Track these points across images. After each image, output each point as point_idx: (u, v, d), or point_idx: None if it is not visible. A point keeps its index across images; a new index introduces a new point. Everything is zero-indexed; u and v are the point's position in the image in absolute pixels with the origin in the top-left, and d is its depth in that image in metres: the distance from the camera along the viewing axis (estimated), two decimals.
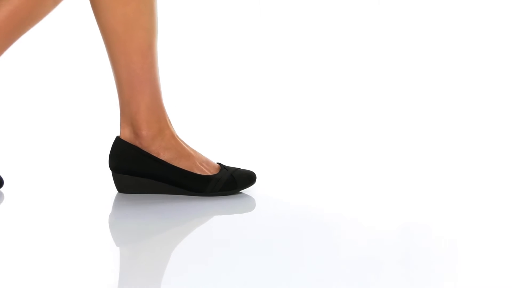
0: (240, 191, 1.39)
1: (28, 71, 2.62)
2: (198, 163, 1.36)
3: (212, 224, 1.27)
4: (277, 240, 1.18)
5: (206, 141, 1.74)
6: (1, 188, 1.40)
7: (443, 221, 1.28)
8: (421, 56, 2.67)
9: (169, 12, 2.40)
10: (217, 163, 1.39)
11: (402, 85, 2.50)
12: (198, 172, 1.35)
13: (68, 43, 2.73)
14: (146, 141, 1.34)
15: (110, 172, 1.37)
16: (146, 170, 1.34)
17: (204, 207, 1.33)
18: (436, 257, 1.08)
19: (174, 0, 2.62)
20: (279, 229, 1.24)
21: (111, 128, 1.56)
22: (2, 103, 2.31)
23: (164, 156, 1.34)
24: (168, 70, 1.69)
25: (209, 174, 1.36)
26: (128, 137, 1.35)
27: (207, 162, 1.37)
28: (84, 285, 0.98)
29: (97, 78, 2.53)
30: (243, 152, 1.77)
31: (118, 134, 1.37)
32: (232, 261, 1.07)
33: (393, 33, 2.78)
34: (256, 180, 1.40)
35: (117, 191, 1.38)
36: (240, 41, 2.65)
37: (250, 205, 1.37)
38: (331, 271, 1.03)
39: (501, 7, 2.79)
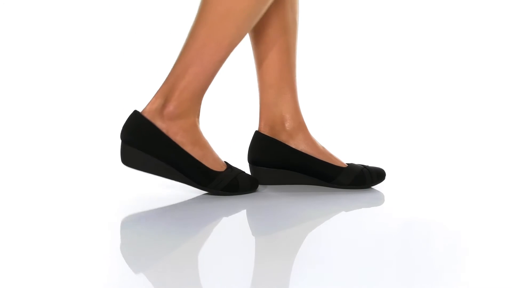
0: (239, 194, 1.39)
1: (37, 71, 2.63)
2: (209, 156, 1.36)
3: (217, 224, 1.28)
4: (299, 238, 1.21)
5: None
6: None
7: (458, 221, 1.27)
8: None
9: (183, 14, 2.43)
10: (224, 161, 1.39)
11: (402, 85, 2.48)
12: (207, 165, 1.35)
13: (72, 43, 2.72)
14: (169, 117, 1.32)
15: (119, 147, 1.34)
16: (157, 150, 1.32)
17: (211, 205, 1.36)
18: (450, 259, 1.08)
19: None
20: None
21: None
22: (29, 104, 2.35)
23: (182, 138, 1.33)
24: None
25: (217, 170, 1.36)
26: (152, 110, 1.33)
27: (216, 159, 1.37)
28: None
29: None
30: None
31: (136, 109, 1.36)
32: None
33: (394, 33, 2.74)
34: (257, 187, 1.43)
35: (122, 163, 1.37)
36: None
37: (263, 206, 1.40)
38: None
39: (501, 7, 2.70)
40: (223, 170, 1.37)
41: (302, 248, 1.10)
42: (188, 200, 1.37)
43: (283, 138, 1.45)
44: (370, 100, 2.56)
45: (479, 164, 1.76)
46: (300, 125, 1.45)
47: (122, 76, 2.62)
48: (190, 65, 1.32)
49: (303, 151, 1.44)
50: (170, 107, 1.32)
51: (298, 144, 1.44)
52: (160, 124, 1.32)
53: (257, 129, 1.47)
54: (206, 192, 1.38)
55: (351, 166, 1.44)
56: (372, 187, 1.45)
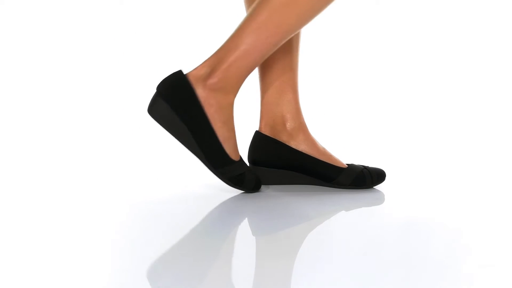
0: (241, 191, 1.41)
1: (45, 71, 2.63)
2: (231, 141, 1.36)
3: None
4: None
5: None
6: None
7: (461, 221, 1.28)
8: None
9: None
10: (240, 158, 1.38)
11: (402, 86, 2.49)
12: (226, 150, 1.35)
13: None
14: (210, 88, 1.33)
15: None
16: (186, 115, 1.32)
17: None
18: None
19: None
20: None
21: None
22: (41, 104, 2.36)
23: (215, 113, 1.33)
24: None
25: (232, 158, 1.36)
26: (196, 76, 1.33)
27: (235, 148, 1.37)
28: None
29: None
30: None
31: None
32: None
33: (393, 34, 2.74)
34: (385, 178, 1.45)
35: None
36: None
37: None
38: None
39: (501, 7, 2.71)
40: (237, 161, 1.37)
41: (302, 248, 1.11)
42: (188, 200, 1.37)
43: (283, 138, 1.45)
44: (370, 100, 2.56)
45: (479, 164, 1.76)
46: (301, 126, 1.45)
47: (122, 76, 2.62)
48: (244, 42, 1.32)
49: (303, 151, 1.44)
50: (215, 79, 1.32)
51: (298, 144, 1.44)
52: (200, 91, 1.32)
53: (257, 129, 1.47)
54: (210, 176, 1.38)
55: (351, 167, 1.44)
56: (372, 187, 1.45)
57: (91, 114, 2.41)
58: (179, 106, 1.32)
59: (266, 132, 1.46)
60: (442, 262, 1.03)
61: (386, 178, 1.46)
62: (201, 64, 1.34)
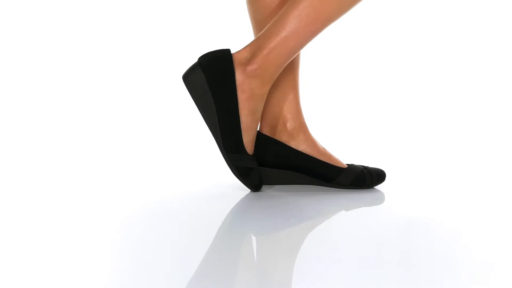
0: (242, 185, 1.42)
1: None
2: (251, 133, 1.37)
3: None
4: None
5: None
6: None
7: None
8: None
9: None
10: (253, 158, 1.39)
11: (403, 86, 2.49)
12: (244, 140, 1.36)
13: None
14: (248, 74, 1.34)
15: None
16: (218, 93, 1.33)
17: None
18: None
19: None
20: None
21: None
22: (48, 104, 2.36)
23: (245, 101, 1.35)
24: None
25: (247, 150, 1.37)
26: (239, 59, 1.34)
27: (252, 142, 1.39)
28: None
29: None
30: None
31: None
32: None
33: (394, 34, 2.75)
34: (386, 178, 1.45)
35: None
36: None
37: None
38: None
39: (501, 7, 2.71)
40: (250, 154, 1.37)
41: (302, 248, 1.11)
42: (188, 200, 1.38)
43: (283, 138, 1.45)
44: (370, 101, 2.56)
45: (479, 164, 1.77)
46: (301, 126, 1.45)
47: (124, 76, 2.62)
48: (284, 29, 1.32)
49: (303, 151, 1.44)
50: (254, 65, 1.33)
51: (298, 144, 1.44)
52: (238, 75, 1.33)
53: (257, 129, 1.47)
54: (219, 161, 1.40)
55: (351, 167, 1.44)
56: (372, 187, 1.45)
57: (92, 114, 2.42)
58: (215, 81, 1.33)
59: (266, 132, 1.46)
60: (442, 262, 1.03)
61: (386, 178, 1.46)
62: (243, 48, 1.35)
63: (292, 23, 1.32)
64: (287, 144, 1.44)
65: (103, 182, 1.56)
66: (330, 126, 2.26)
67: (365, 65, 2.71)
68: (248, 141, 1.37)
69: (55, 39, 2.69)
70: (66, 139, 2.08)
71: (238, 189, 1.44)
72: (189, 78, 1.34)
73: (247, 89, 1.34)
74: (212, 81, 1.33)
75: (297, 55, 1.45)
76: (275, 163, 1.44)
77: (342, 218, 1.28)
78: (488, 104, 2.50)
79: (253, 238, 1.18)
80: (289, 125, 1.45)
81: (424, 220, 1.27)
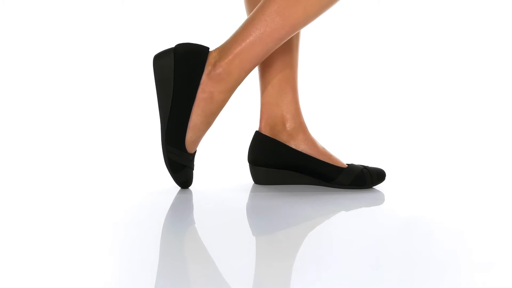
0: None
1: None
2: (199, 134, 1.38)
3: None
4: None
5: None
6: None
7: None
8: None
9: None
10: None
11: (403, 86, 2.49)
12: (190, 136, 1.37)
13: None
14: (211, 77, 1.34)
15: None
16: (182, 89, 1.34)
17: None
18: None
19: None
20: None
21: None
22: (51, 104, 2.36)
23: (205, 101, 1.35)
24: None
25: (188, 149, 1.38)
26: (212, 57, 1.35)
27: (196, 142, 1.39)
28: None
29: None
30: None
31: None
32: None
33: (394, 34, 2.75)
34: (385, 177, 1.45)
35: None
36: None
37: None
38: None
39: (501, 7, 2.71)
40: (188, 152, 1.37)
41: (302, 248, 1.11)
42: (188, 200, 1.38)
43: (283, 138, 1.45)
44: (370, 100, 2.56)
45: (479, 164, 1.77)
46: (301, 126, 1.45)
47: (122, 76, 2.62)
48: (250, 34, 1.32)
49: (303, 151, 1.44)
50: (219, 69, 1.33)
51: (298, 144, 1.44)
52: (204, 75, 1.34)
53: (257, 129, 1.47)
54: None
55: (351, 167, 1.44)
56: (372, 187, 1.45)
57: (92, 114, 2.42)
58: (181, 72, 1.33)
59: (266, 132, 1.46)
60: (442, 262, 1.03)
61: (386, 178, 1.46)
62: (216, 48, 1.35)
63: (258, 28, 1.32)
64: (287, 144, 1.44)
65: (100, 181, 1.56)
66: (330, 126, 2.26)
67: (365, 65, 2.71)
68: (192, 140, 1.36)
69: (55, 39, 2.69)
70: (63, 138, 2.08)
71: (238, 190, 1.44)
72: (159, 60, 1.34)
73: (208, 91, 1.34)
74: (178, 71, 1.34)
75: (296, 55, 1.45)
76: (275, 163, 1.44)
77: (342, 218, 1.28)
78: (488, 104, 2.50)
79: (253, 238, 1.18)
80: (289, 125, 1.45)
81: (424, 220, 1.27)
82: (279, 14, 1.32)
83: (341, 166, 1.44)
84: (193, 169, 1.42)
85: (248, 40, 1.32)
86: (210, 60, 1.34)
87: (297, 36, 1.45)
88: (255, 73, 1.48)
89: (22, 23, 2.68)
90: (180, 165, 1.38)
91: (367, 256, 1.06)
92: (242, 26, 1.34)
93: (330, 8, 1.34)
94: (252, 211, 1.32)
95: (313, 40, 2.57)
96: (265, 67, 1.45)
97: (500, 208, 1.36)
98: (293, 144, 1.44)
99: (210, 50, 1.35)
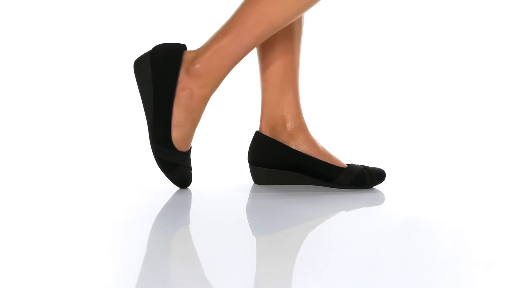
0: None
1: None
2: (182, 130, 1.38)
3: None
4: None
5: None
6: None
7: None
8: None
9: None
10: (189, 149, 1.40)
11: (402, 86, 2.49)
12: (173, 135, 1.37)
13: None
14: (189, 73, 1.36)
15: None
16: (159, 85, 1.36)
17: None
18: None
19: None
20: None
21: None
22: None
23: (183, 98, 1.36)
24: None
25: (178, 147, 1.38)
26: (189, 56, 1.36)
27: (185, 140, 1.39)
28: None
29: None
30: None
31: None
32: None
33: (394, 34, 2.75)
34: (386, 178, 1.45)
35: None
36: None
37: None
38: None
39: (501, 7, 2.71)
40: (178, 150, 1.37)
41: (302, 248, 1.11)
42: (188, 200, 1.38)
43: (283, 138, 1.45)
44: (370, 100, 2.56)
45: (479, 164, 1.77)
46: (301, 126, 1.45)
47: (121, 77, 2.62)
48: (229, 31, 1.34)
49: (303, 151, 1.44)
50: (196, 65, 1.35)
51: (298, 145, 1.44)
52: (182, 72, 1.35)
53: (257, 129, 1.47)
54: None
55: (351, 167, 1.44)
56: (372, 187, 1.45)
57: (92, 114, 2.42)
58: (159, 72, 1.36)
59: (266, 132, 1.46)
60: (442, 262, 1.03)
61: (386, 178, 1.46)
62: (197, 48, 1.37)
63: (236, 25, 1.33)
64: (287, 144, 1.44)
65: (100, 181, 1.56)
66: (330, 126, 2.26)
67: (365, 65, 2.71)
68: (179, 138, 1.37)
69: (55, 39, 2.69)
70: (63, 138, 2.08)
71: (238, 190, 1.44)
72: (138, 64, 1.38)
73: (187, 87, 1.35)
74: (156, 71, 1.36)
75: (298, 55, 1.45)
76: (275, 163, 1.44)
77: (342, 218, 1.28)
78: (488, 104, 2.50)
79: (253, 238, 1.18)
80: (289, 125, 1.45)
81: (424, 220, 1.27)
82: (255, 11, 1.32)
83: (341, 166, 1.44)
84: (190, 168, 1.42)
85: (226, 37, 1.33)
86: (188, 57, 1.36)
87: (299, 37, 1.45)
88: (255, 73, 1.48)
89: (22, 23, 2.68)
90: (172, 163, 1.39)
91: (367, 256, 1.06)
92: (225, 22, 1.35)
93: (311, 7, 1.34)
94: (252, 211, 1.32)
95: (313, 40, 2.57)
96: (266, 67, 1.45)
97: (500, 208, 1.36)
98: (293, 145, 1.44)
99: (188, 49, 1.37)
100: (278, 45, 1.43)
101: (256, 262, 1.05)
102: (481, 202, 1.41)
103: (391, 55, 2.73)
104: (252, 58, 1.50)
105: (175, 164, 1.39)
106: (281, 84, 1.45)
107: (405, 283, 0.95)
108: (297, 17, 1.35)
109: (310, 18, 1.98)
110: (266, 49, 1.44)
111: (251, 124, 1.57)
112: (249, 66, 1.66)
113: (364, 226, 1.23)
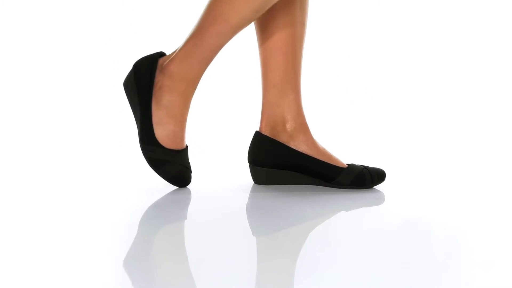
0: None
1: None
2: (162, 126, 1.41)
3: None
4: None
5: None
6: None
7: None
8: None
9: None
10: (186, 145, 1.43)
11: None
12: (156, 131, 1.40)
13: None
14: (164, 71, 1.40)
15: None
16: (139, 86, 1.41)
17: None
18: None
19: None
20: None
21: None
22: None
23: (160, 95, 1.40)
24: None
25: (165, 144, 1.40)
26: (167, 57, 1.41)
27: (171, 138, 1.42)
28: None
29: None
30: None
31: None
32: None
33: (393, 33, 2.75)
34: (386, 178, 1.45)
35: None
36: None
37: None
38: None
39: (501, 7, 2.71)
40: (165, 147, 1.39)
41: (302, 248, 1.11)
42: (188, 200, 1.38)
43: (283, 139, 1.45)
44: (370, 100, 2.56)
45: (479, 164, 1.77)
46: (302, 126, 1.45)
47: (121, 77, 2.62)
48: (196, 29, 1.37)
49: (303, 152, 1.44)
50: (170, 65, 1.39)
51: (298, 145, 1.44)
52: (158, 72, 1.40)
53: (257, 130, 1.47)
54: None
55: (351, 167, 1.44)
56: (372, 187, 1.45)
57: (92, 114, 2.42)
58: (140, 76, 1.40)
59: (266, 132, 1.46)
60: (442, 262, 1.03)
61: (386, 178, 1.46)
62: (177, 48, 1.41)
63: (200, 23, 1.37)
64: (287, 144, 1.44)
65: (100, 181, 1.56)
66: (330, 126, 2.26)
67: (365, 65, 2.71)
68: (163, 135, 1.39)
69: (55, 39, 2.69)
70: (62, 139, 2.08)
71: (238, 190, 1.44)
72: (126, 80, 1.43)
73: (164, 85, 1.38)
74: (138, 77, 1.40)
75: (300, 56, 1.45)
76: (275, 163, 1.44)
77: (342, 218, 1.28)
78: (488, 104, 2.50)
79: (253, 238, 1.18)
80: (289, 125, 1.45)
81: (424, 220, 1.27)
82: (211, 9, 1.35)
83: (341, 166, 1.44)
84: (187, 167, 1.42)
85: (195, 36, 1.36)
86: (164, 59, 1.40)
87: (300, 38, 1.45)
88: (256, 73, 1.48)
89: (22, 23, 2.68)
90: (160, 160, 1.40)
91: (367, 256, 1.06)
92: (197, 22, 1.38)
93: (266, 8, 1.34)
94: (252, 211, 1.32)
95: (313, 40, 2.57)
96: (268, 67, 1.45)
97: (500, 208, 1.36)
98: (293, 145, 1.44)
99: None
100: (280, 45, 1.43)
101: (256, 262, 1.05)
102: (481, 202, 1.41)
103: (391, 55, 2.73)
104: (252, 58, 1.50)
105: (164, 161, 1.40)
106: (282, 84, 1.45)
107: (405, 283, 0.95)
108: (254, 18, 1.36)
109: (310, 18, 1.98)
110: (268, 48, 1.44)
111: (251, 124, 1.57)
112: (249, 66, 1.66)
113: (364, 226, 1.23)
